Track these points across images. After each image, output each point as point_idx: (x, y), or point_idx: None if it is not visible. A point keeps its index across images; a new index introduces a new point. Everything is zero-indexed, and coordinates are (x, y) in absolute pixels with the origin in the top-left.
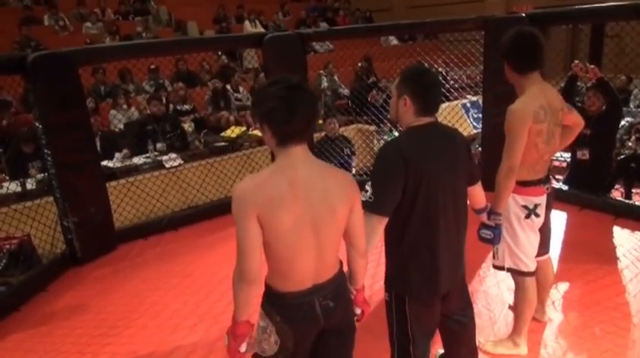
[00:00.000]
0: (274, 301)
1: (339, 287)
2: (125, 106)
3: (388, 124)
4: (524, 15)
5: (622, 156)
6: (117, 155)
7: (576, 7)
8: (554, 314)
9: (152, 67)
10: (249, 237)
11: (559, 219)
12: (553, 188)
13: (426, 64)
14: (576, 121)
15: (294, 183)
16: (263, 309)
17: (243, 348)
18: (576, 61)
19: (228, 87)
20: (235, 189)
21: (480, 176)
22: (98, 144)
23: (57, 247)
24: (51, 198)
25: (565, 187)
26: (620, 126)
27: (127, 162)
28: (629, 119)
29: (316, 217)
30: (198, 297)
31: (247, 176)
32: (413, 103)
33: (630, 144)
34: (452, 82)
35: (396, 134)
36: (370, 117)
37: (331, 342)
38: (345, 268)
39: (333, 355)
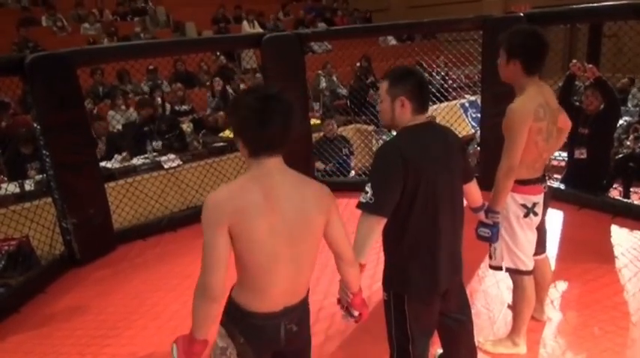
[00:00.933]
0: (239, 320)
1: (303, 311)
2: (123, 107)
3: None
4: (522, 15)
5: (620, 156)
6: (116, 156)
7: (574, 6)
8: (553, 313)
9: (150, 67)
10: (217, 250)
11: (558, 219)
12: (550, 187)
13: (424, 64)
14: (567, 123)
15: (269, 193)
16: (224, 328)
17: None
18: (574, 61)
19: (229, 88)
20: (208, 198)
21: (474, 174)
22: (104, 145)
23: (56, 248)
24: (49, 199)
25: (563, 186)
26: (618, 125)
27: (126, 163)
28: (627, 118)
29: (292, 229)
30: None
31: (221, 185)
32: (410, 103)
33: (628, 143)
34: (450, 82)
35: (394, 134)
36: (369, 117)
37: None
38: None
39: None
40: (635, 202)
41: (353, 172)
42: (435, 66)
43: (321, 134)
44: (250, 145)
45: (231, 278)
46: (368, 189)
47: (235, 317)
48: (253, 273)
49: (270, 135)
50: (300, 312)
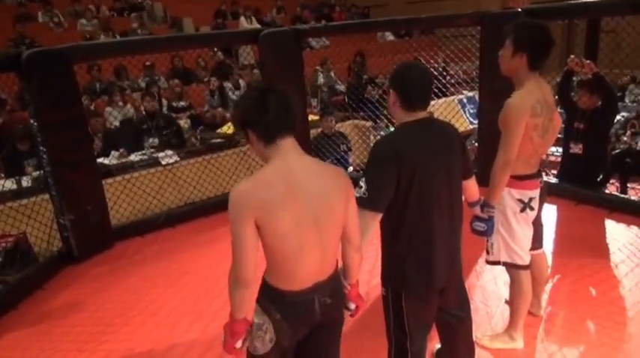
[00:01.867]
0: (273, 298)
1: (336, 284)
2: (121, 103)
3: (384, 120)
4: (520, 10)
5: (617, 151)
6: (113, 153)
7: (572, 2)
8: (551, 308)
9: (147, 63)
10: (244, 243)
11: (555, 214)
12: (546, 182)
13: (422, 60)
14: (559, 120)
15: (291, 183)
16: (260, 305)
17: (239, 344)
18: (572, 56)
19: (229, 84)
20: (232, 192)
21: (474, 170)
22: (101, 142)
23: (53, 245)
24: (47, 196)
25: (559, 182)
26: (615, 121)
27: (123, 160)
28: (624, 114)
29: (316, 215)
30: (197, 295)
31: (243, 179)
32: (399, 99)
33: (625, 138)
34: (448, 78)
35: (392, 129)
36: (367, 113)
37: (321, 336)
38: (340, 263)
39: (324, 348)
40: (632, 198)
41: (351, 168)
42: (432, 61)
43: (319, 130)
44: (261, 131)
45: (263, 260)
46: (362, 183)
47: (270, 296)
48: (280, 261)
49: (275, 116)
50: (331, 285)
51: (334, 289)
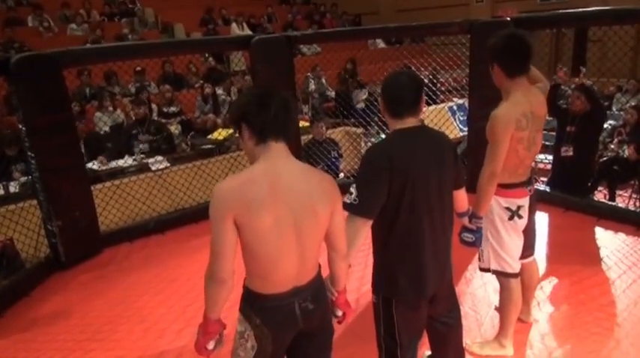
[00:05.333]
0: (253, 303)
1: (318, 290)
2: (111, 108)
3: (375, 127)
4: (509, 19)
5: (605, 158)
6: (100, 159)
7: (560, 11)
8: (540, 314)
9: (138, 69)
10: (222, 239)
11: (544, 221)
12: (536, 190)
13: (412, 67)
14: (545, 108)
15: (274, 185)
16: (241, 312)
17: (211, 345)
18: (562, 68)
19: (220, 90)
20: (215, 189)
21: (465, 180)
22: (83, 147)
23: (41, 251)
24: (35, 202)
25: (549, 189)
26: (603, 128)
27: (113, 165)
28: (611, 122)
29: (297, 219)
30: (185, 302)
31: (228, 176)
32: (386, 107)
33: (613, 146)
34: (438, 85)
35: (383, 137)
36: (357, 120)
37: (309, 345)
38: (327, 271)
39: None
40: (620, 205)
41: (342, 175)
42: (423, 69)
43: (310, 136)
44: (256, 128)
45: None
46: (353, 189)
47: (249, 300)
48: (258, 262)
49: (273, 116)
50: (312, 291)
51: (316, 295)
